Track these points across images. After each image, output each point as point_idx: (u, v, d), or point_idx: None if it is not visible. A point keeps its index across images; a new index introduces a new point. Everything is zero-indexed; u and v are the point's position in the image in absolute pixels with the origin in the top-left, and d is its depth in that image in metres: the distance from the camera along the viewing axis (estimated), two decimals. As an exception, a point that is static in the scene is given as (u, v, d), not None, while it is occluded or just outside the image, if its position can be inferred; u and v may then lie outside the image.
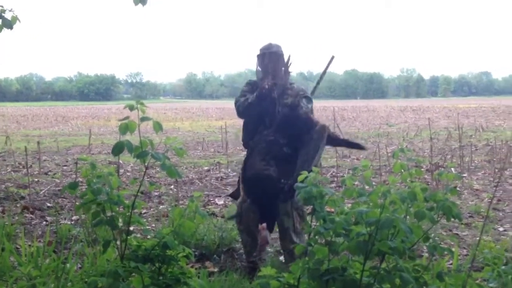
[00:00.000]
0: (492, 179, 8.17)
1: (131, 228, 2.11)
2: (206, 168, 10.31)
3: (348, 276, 1.78)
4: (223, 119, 26.58)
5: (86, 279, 2.33)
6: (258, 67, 4.07)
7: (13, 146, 13.23)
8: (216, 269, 4.10)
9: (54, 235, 4.77)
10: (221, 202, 7.08)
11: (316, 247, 1.90)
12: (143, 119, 1.98)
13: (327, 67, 4.35)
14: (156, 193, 7.31)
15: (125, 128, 1.99)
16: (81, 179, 5.53)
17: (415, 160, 2.06)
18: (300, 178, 2.05)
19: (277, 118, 3.86)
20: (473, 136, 15.96)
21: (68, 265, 2.61)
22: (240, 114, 4.05)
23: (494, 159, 9.92)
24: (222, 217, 5.64)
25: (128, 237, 2.07)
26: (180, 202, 6.67)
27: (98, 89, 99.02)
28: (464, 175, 7.32)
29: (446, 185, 1.86)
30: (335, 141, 4.00)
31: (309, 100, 3.96)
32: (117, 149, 2.02)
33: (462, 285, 1.84)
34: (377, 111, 37.94)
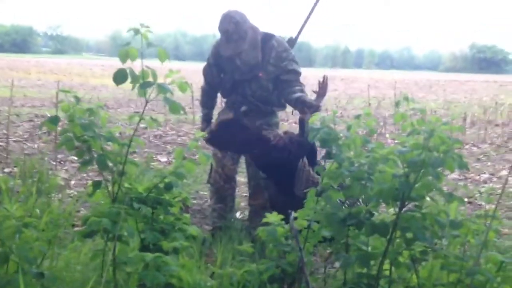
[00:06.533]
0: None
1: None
2: (143, 125, 9.94)
3: (377, 220, 1.72)
4: (153, 78, 25.69)
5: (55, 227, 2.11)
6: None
7: None
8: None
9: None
10: (164, 159, 6.91)
11: (332, 192, 1.81)
12: (149, 45, 1.77)
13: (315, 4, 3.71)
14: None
15: (125, 55, 1.77)
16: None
17: (419, 110, 2.01)
18: (312, 119, 1.93)
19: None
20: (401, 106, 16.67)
21: (38, 210, 2.37)
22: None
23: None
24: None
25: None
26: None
27: (14, 40, 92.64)
28: (397, 141, 7.58)
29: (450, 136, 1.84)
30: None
31: (296, 67, 3.57)
32: (120, 76, 1.79)
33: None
34: (308, 78, 38.02)
